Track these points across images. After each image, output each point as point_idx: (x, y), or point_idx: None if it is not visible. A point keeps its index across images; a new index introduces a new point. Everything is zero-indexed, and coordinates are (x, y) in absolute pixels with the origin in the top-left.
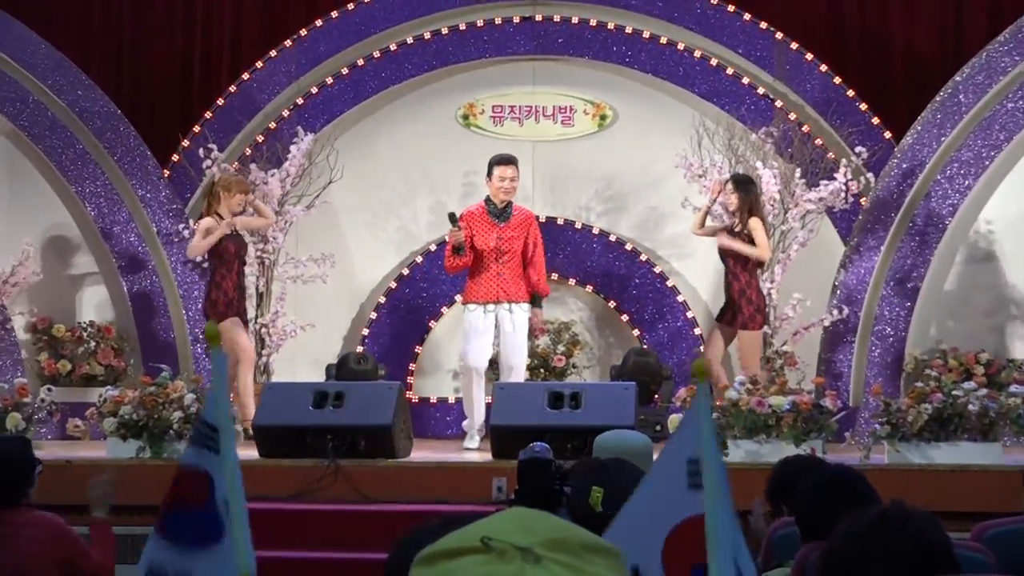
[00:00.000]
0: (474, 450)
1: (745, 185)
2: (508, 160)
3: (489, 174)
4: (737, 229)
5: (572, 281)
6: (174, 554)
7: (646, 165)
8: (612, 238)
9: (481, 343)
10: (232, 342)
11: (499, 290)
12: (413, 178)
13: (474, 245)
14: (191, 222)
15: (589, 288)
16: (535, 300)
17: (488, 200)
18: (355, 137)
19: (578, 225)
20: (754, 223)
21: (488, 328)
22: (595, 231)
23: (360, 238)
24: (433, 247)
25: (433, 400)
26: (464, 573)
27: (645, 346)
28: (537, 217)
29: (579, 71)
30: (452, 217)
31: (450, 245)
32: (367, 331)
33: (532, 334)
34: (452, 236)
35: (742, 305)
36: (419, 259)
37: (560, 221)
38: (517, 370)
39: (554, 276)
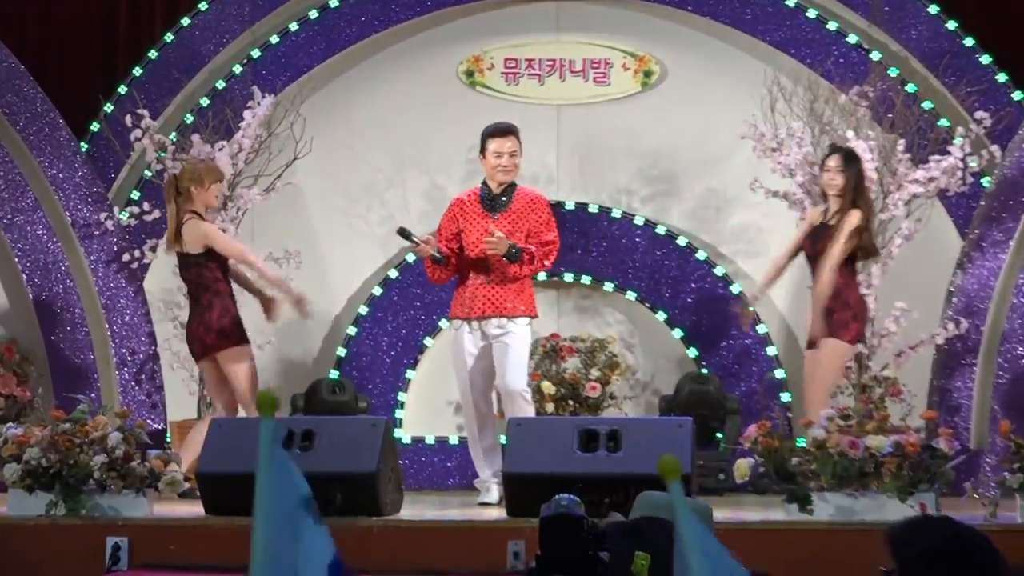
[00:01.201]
0: (493, 505)
1: (855, 162)
2: (505, 130)
3: (483, 150)
4: (832, 222)
5: (609, 286)
6: None
7: (703, 135)
8: (660, 230)
9: (477, 368)
10: (248, 377)
11: (486, 301)
12: (402, 154)
13: (462, 244)
14: (115, 210)
15: (631, 295)
16: (510, 251)
17: (484, 184)
18: (327, 101)
19: (616, 214)
20: (853, 217)
21: (475, 352)
22: (638, 222)
23: (334, 231)
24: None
25: (429, 441)
26: None
27: (704, 370)
28: (560, 204)
29: (616, 14)
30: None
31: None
32: (343, 351)
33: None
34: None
35: (835, 308)
36: (410, 258)
37: (593, 209)
38: (514, 398)
39: (585, 280)
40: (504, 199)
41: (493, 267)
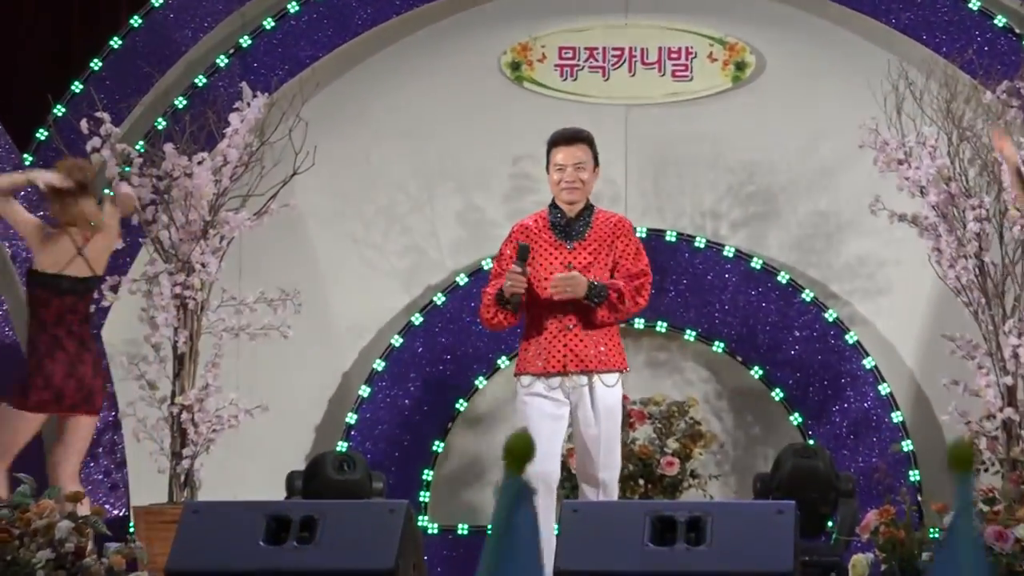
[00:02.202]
0: None
1: None
2: (569, 137)
3: (548, 163)
4: None
5: (690, 335)
6: None
7: (811, 144)
8: (755, 264)
9: (547, 439)
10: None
11: (569, 353)
12: (429, 168)
13: (530, 282)
14: None
15: (718, 347)
16: (592, 292)
17: (553, 205)
18: (335, 101)
19: (700, 243)
20: None
21: (558, 414)
22: (727, 253)
23: (343, 265)
24: (463, 279)
25: (462, 531)
26: None
27: (811, 442)
28: (634, 228)
29: None
30: (523, 252)
31: (502, 291)
32: (354, 417)
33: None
34: (512, 283)
35: None
36: (439, 299)
37: (670, 237)
38: (608, 487)
39: (660, 327)
40: (581, 224)
41: (573, 310)
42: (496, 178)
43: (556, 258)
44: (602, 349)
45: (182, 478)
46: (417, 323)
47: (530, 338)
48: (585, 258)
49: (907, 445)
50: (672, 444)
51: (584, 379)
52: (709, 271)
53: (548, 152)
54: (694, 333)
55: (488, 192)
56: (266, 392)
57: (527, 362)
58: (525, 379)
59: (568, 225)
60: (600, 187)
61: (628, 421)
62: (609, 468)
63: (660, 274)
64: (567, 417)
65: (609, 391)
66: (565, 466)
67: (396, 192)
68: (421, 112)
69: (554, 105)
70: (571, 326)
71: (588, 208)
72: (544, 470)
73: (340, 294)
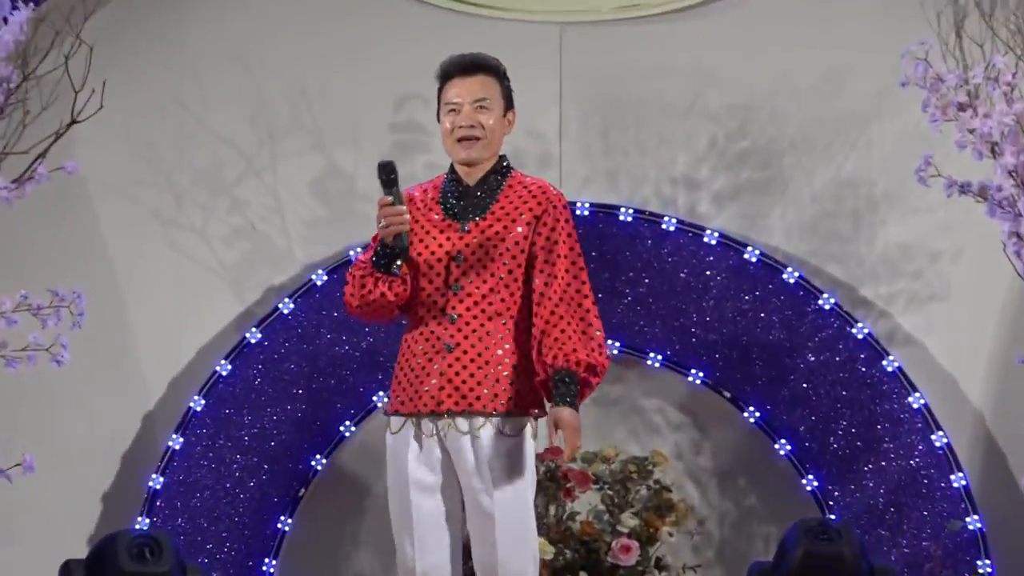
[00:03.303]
0: None
1: None
2: (466, 66)
3: (438, 106)
4: None
5: (654, 360)
6: None
7: (831, 80)
8: (750, 256)
9: (427, 516)
10: None
11: (447, 385)
12: (273, 113)
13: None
14: None
15: (695, 377)
16: (557, 388)
17: (451, 169)
18: (134, 16)
19: (668, 225)
20: None
21: (438, 475)
22: (709, 240)
23: (145, 256)
24: (320, 277)
25: None
26: None
27: (832, 517)
28: (572, 204)
29: None
30: (386, 170)
31: (380, 249)
32: (161, 480)
33: (553, 486)
34: (388, 222)
35: None
36: (286, 306)
37: (624, 216)
38: None
39: (611, 347)
40: (482, 194)
41: (460, 317)
42: (370, 130)
43: (441, 246)
44: (498, 384)
45: None
46: (254, 341)
47: (401, 360)
48: (480, 248)
49: (973, 522)
50: (629, 520)
51: (464, 423)
52: (683, 266)
53: (439, 91)
54: (661, 357)
55: (358, 150)
56: (30, 444)
57: (395, 394)
58: (394, 421)
59: (464, 195)
60: (523, 143)
61: (562, 486)
62: (514, 558)
63: (610, 270)
64: (453, 481)
65: (505, 441)
66: (468, 551)
67: (224, 149)
68: (261, 33)
69: (453, 22)
70: (451, 345)
71: (499, 171)
72: (425, 567)
73: (141, 299)
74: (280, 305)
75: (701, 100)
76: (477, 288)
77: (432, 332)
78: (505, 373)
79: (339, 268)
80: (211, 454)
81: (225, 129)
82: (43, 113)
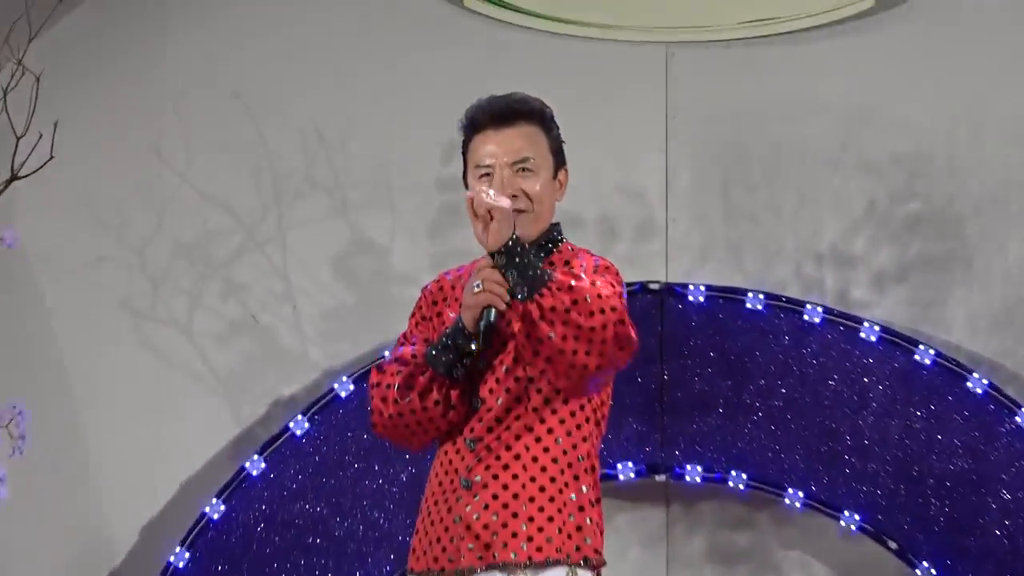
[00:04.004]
0: None
1: None
2: (497, 113)
3: (464, 166)
4: None
5: (794, 500)
6: None
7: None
8: (922, 357)
9: None
10: None
11: (466, 533)
12: (284, 163)
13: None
14: None
15: (849, 522)
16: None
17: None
18: (95, 32)
19: (812, 315)
20: None
21: None
22: (867, 335)
23: (105, 357)
24: (345, 386)
25: None
26: None
27: None
28: (682, 288)
29: None
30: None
31: (438, 346)
32: None
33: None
34: (485, 279)
35: None
36: (300, 424)
37: (753, 303)
38: None
39: (734, 479)
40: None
41: (485, 445)
42: (411, 189)
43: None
44: (531, 524)
45: None
46: (256, 473)
47: (424, 503)
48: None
49: None
50: None
51: None
52: (833, 371)
53: (464, 146)
54: (803, 494)
55: (395, 216)
56: None
57: (412, 546)
58: None
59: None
60: (615, 204)
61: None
62: None
63: (735, 377)
64: None
65: None
66: None
67: (216, 215)
68: (263, 60)
69: (532, 43)
70: (470, 480)
71: (546, 246)
72: None
73: (103, 417)
74: (291, 424)
75: (855, 146)
76: (499, 401)
77: (450, 463)
78: (539, 508)
79: (369, 375)
80: None
81: (217, 188)
82: None
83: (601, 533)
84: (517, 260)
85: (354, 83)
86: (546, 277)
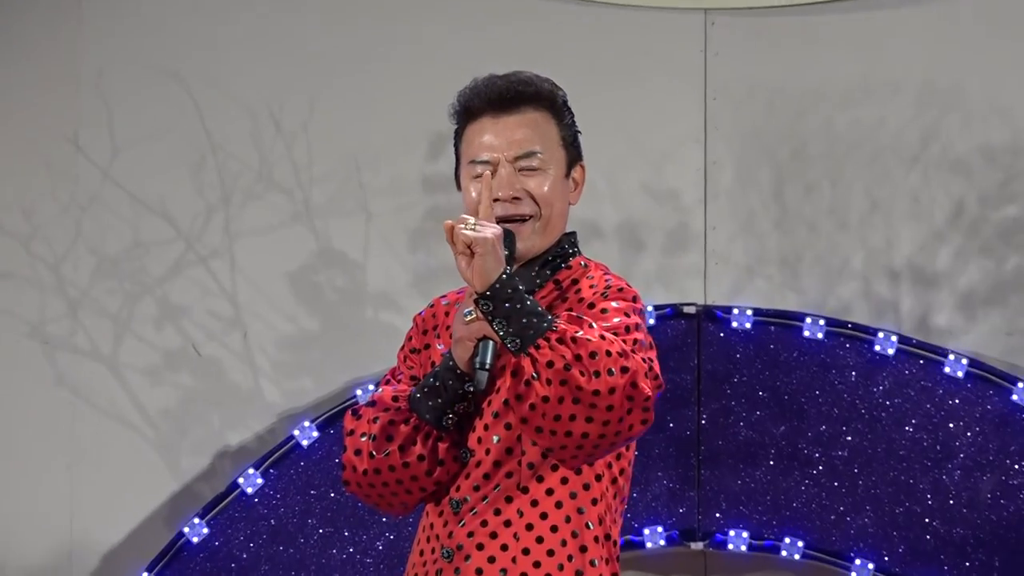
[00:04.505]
0: None
1: None
2: (497, 97)
3: (456, 162)
4: None
5: (862, 573)
6: None
7: None
8: (1022, 397)
9: None
10: None
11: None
12: (234, 161)
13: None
14: None
15: None
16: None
17: None
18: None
19: (883, 347)
20: None
21: None
22: (954, 370)
23: (16, 401)
24: (310, 433)
25: None
26: None
27: None
28: (726, 312)
29: None
30: (505, 242)
31: (405, 369)
32: None
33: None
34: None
35: None
36: (251, 480)
37: (811, 331)
38: None
39: (792, 546)
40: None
41: (478, 510)
42: (393, 187)
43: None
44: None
45: None
46: (197, 540)
47: (418, 545)
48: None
49: None
50: None
51: None
52: (911, 413)
53: (456, 136)
54: (873, 566)
55: (369, 222)
56: None
57: None
58: None
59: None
60: (642, 208)
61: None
62: None
63: (788, 420)
64: None
65: None
66: None
67: (148, 221)
68: (206, 30)
69: (532, 9)
70: (450, 550)
71: (549, 264)
72: None
73: (5, 469)
74: (241, 480)
75: (938, 137)
76: (488, 453)
77: (432, 527)
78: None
79: (339, 420)
80: None
81: (149, 187)
82: None
83: None
84: (507, 305)
85: (319, 58)
86: (544, 325)
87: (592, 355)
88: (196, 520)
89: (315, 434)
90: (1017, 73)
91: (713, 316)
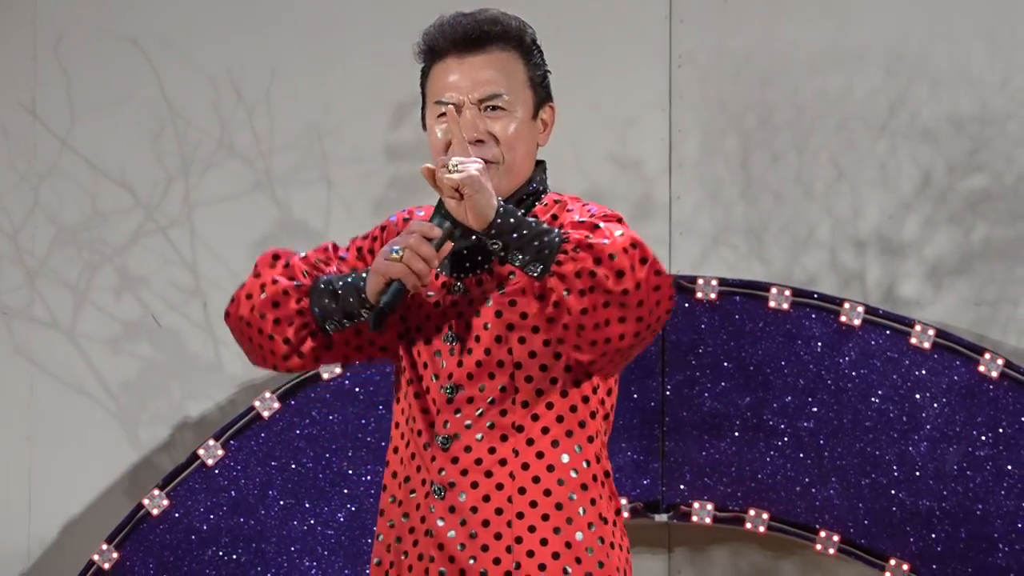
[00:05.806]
0: None
1: None
2: (462, 37)
3: (424, 103)
4: None
5: (827, 545)
6: None
7: None
8: (988, 368)
9: None
10: None
11: (438, 554)
12: (193, 127)
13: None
14: None
15: (895, 573)
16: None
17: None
18: None
19: (849, 317)
20: None
21: None
22: (920, 341)
23: None
24: (271, 404)
25: None
26: None
27: None
28: (689, 280)
29: None
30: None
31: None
32: None
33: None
34: (413, 243)
35: None
36: (212, 451)
37: (777, 302)
38: None
39: (757, 519)
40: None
41: (464, 448)
42: (356, 155)
43: (429, 317)
44: (520, 545)
45: None
46: (156, 512)
47: (381, 512)
48: (484, 313)
49: None
50: None
51: None
52: (878, 385)
53: (422, 77)
54: (837, 538)
55: (330, 191)
56: None
57: (377, 540)
58: None
59: (459, 240)
60: (605, 174)
61: None
62: None
63: (753, 392)
64: None
65: None
66: None
67: (105, 188)
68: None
69: None
70: (442, 487)
71: (522, 201)
72: None
73: None
74: (201, 451)
75: (906, 105)
76: (482, 389)
77: (417, 466)
78: (529, 528)
79: (300, 390)
80: None
81: (108, 156)
82: None
83: (623, 550)
84: (515, 236)
85: (280, 25)
86: (557, 240)
87: (611, 256)
88: (156, 492)
89: (276, 405)
90: (985, 42)
91: (678, 286)
